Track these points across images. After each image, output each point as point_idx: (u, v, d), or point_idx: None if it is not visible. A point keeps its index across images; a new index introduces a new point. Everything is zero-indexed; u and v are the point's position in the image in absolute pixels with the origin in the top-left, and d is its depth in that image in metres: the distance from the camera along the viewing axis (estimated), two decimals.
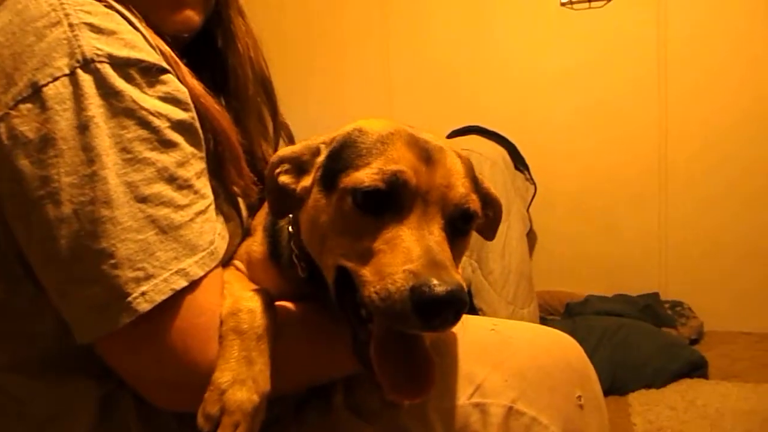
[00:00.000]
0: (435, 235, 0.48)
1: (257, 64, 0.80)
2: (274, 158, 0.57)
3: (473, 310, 2.04)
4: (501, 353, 0.78)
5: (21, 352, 0.57)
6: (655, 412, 1.79)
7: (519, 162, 2.47)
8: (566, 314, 2.43)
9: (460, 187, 0.52)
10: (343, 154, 0.52)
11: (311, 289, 0.60)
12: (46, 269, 0.52)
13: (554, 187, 2.67)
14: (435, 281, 0.43)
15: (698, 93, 2.50)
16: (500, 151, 2.32)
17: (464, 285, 0.45)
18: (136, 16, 0.59)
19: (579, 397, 0.77)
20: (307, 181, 0.55)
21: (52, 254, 0.51)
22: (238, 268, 0.66)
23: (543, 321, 2.34)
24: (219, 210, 0.64)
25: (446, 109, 2.78)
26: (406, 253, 0.46)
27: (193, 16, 0.68)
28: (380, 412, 0.61)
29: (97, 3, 0.55)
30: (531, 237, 2.63)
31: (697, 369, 2.02)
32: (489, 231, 0.65)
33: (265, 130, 0.80)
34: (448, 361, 0.76)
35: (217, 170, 0.64)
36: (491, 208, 0.62)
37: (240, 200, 0.70)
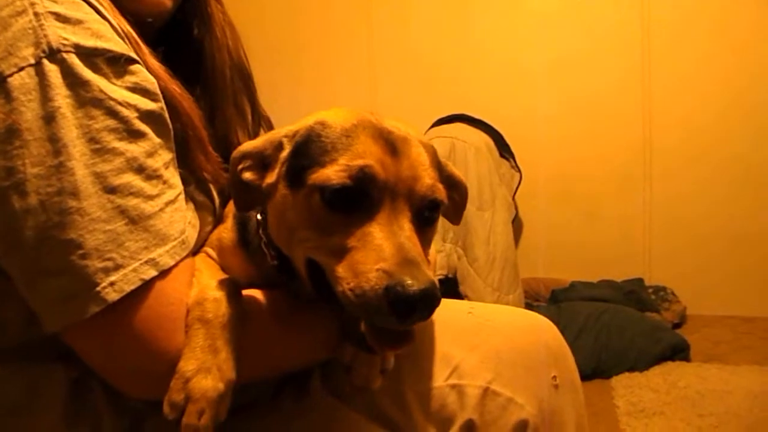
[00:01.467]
0: (405, 230, 0.49)
1: (235, 51, 0.79)
2: (235, 154, 0.56)
3: (459, 297, 2.06)
4: (477, 335, 0.79)
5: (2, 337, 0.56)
6: (638, 394, 1.82)
7: (504, 149, 2.48)
8: (551, 300, 2.45)
9: (427, 178, 0.52)
10: (308, 150, 0.52)
11: (281, 276, 0.60)
12: (12, 259, 0.52)
13: (539, 175, 2.68)
14: (408, 281, 0.44)
15: (682, 82, 2.52)
16: (485, 139, 2.33)
17: (436, 281, 0.46)
18: (103, 3, 0.58)
19: (554, 378, 0.79)
20: (271, 177, 0.54)
21: (19, 245, 0.50)
22: (209, 255, 0.66)
23: (528, 307, 2.36)
24: (190, 198, 0.63)
25: (431, 98, 2.78)
26: (379, 251, 0.47)
27: (164, 0, 0.67)
28: (357, 395, 0.62)
29: None
30: (517, 224, 2.65)
31: (680, 352, 2.06)
32: (455, 214, 0.66)
33: (242, 118, 0.80)
34: (424, 343, 0.77)
35: (185, 157, 0.63)
36: (457, 192, 0.62)
37: (212, 187, 0.69)
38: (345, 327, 0.56)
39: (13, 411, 0.56)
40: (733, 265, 2.49)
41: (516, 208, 2.56)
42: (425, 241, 0.54)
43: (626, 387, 1.87)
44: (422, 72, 2.84)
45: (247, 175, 0.55)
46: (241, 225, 0.64)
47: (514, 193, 2.53)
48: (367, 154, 0.50)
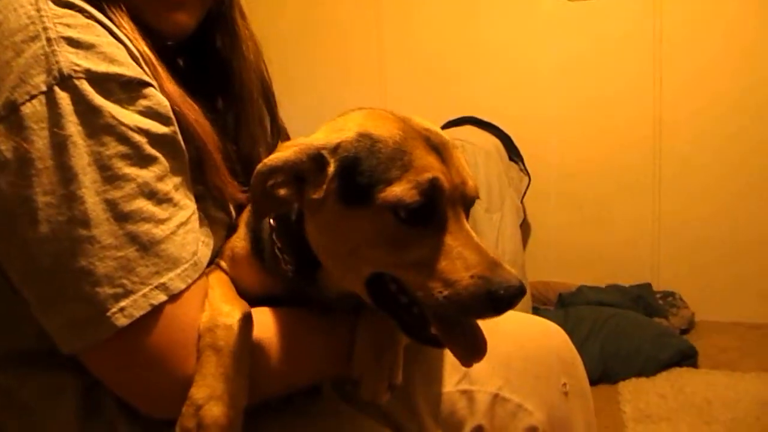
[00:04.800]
0: (471, 234, 0.52)
1: (258, 68, 0.79)
2: (262, 168, 0.53)
3: None
4: (488, 341, 0.79)
5: (6, 346, 0.57)
6: (645, 400, 1.82)
7: (513, 153, 2.48)
8: (559, 304, 2.45)
9: (470, 180, 0.54)
10: (363, 166, 0.51)
11: (297, 282, 0.61)
12: (25, 285, 0.53)
13: (548, 178, 2.68)
14: (505, 283, 0.48)
15: (693, 85, 2.51)
16: (494, 142, 2.33)
17: (518, 276, 0.50)
18: (119, 21, 0.58)
19: (564, 384, 0.79)
20: (317, 193, 0.53)
21: (31, 272, 0.51)
22: (222, 268, 0.66)
23: (536, 311, 2.36)
24: (206, 214, 0.64)
25: (441, 100, 2.78)
26: (464, 260, 0.50)
27: (186, 20, 0.67)
28: (367, 402, 0.63)
29: (78, 14, 0.53)
30: (525, 228, 2.65)
31: (687, 358, 2.05)
32: None
33: (264, 134, 0.80)
34: (435, 350, 0.77)
35: (203, 176, 0.64)
36: None
37: (229, 203, 0.69)
38: (408, 329, 0.56)
39: (26, 416, 0.58)
40: (741, 272, 2.48)
41: (524, 211, 2.56)
42: None
43: (633, 392, 1.87)
44: (432, 74, 2.84)
45: (282, 192, 0.54)
46: (254, 233, 0.64)
47: (523, 197, 2.52)
48: (430, 170, 0.51)
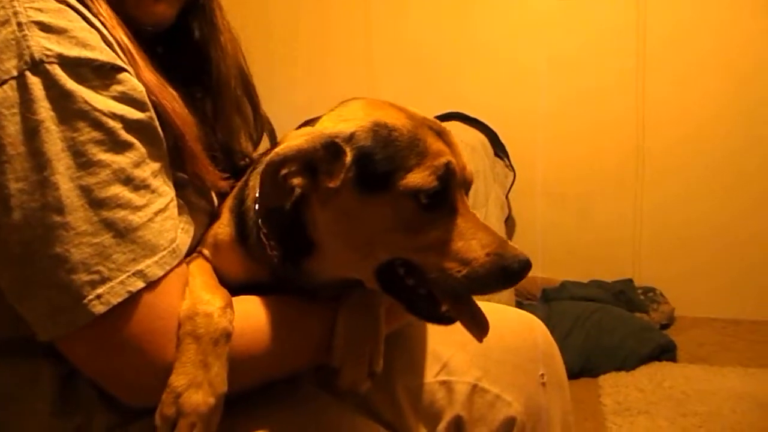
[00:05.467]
0: (476, 214, 0.55)
1: (236, 58, 0.79)
2: (274, 157, 0.53)
3: None
4: (467, 333, 0.80)
5: None
6: (624, 393, 1.84)
7: (499, 149, 2.50)
8: (542, 299, 2.47)
9: (469, 165, 0.57)
10: (382, 155, 0.52)
11: (282, 269, 0.61)
12: (1, 272, 0.52)
13: (533, 174, 2.70)
14: (515, 258, 0.52)
15: (676, 84, 2.54)
16: (480, 138, 2.34)
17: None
18: (97, 9, 0.57)
19: (542, 376, 0.81)
20: (333, 182, 0.53)
21: (5, 259, 0.51)
22: (204, 256, 0.66)
23: (519, 306, 2.38)
24: (187, 201, 0.63)
25: (427, 96, 2.78)
26: (479, 239, 0.53)
27: (166, 10, 0.66)
28: (346, 391, 0.63)
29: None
30: (510, 223, 2.67)
31: (666, 352, 2.09)
32: None
33: (245, 125, 0.79)
34: (415, 341, 0.78)
35: (182, 164, 0.63)
36: None
37: (211, 190, 0.69)
38: (417, 311, 0.59)
39: (5, 403, 0.57)
40: (721, 269, 2.52)
41: (509, 207, 2.58)
42: None
43: (613, 386, 1.90)
44: (419, 70, 2.85)
45: (296, 181, 0.54)
46: (239, 219, 0.64)
47: (508, 192, 2.54)
48: (443, 156, 0.53)
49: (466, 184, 0.57)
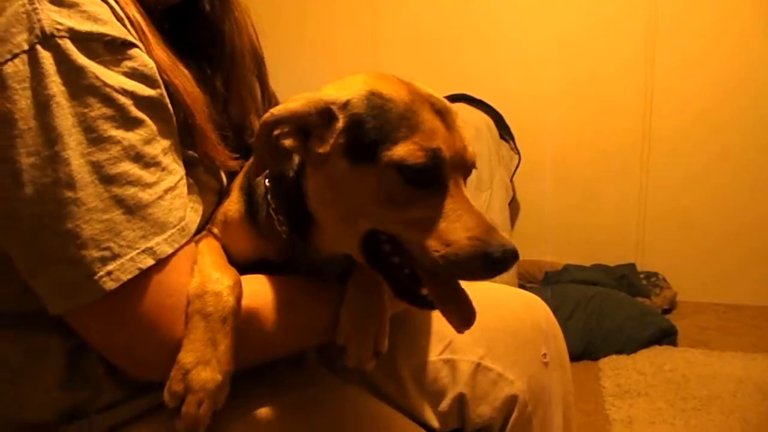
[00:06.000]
0: (469, 199, 0.53)
1: (249, 33, 0.77)
2: (268, 117, 0.53)
3: None
4: None
5: None
6: (624, 376, 1.86)
7: (504, 131, 2.49)
8: (545, 282, 2.48)
9: (470, 147, 0.56)
10: (372, 124, 0.52)
11: (290, 244, 0.61)
12: (12, 247, 0.52)
13: (539, 157, 2.69)
14: (500, 246, 0.50)
15: (684, 69, 2.51)
16: (486, 120, 2.33)
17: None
18: None
19: (544, 355, 0.81)
20: (323, 147, 0.53)
21: (19, 233, 0.51)
22: (213, 234, 0.66)
23: (521, 288, 2.39)
24: (197, 179, 0.63)
25: (433, 77, 2.74)
26: (463, 223, 0.51)
27: None
28: (352, 370, 0.64)
29: None
30: (514, 206, 2.67)
31: (667, 337, 2.10)
32: None
33: (254, 102, 0.78)
34: (419, 320, 0.79)
35: (192, 142, 0.63)
36: None
37: (220, 169, 0.69)
38: (399, 290, 0.57)
39: (13, 375, 0.58)
40: (723, 254, 2.52)
41: (513, 190, 2.57)
42: None
43: (613, 369, 1.91)
44: (425, 51, 2.82)
45: (288, 143, 0.54)
46: (248, 196, 0.64)
47: (512, 175, 2.54)
48: (435, 134, 0.52)
49: (466, 167, 0.55)
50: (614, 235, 2.69)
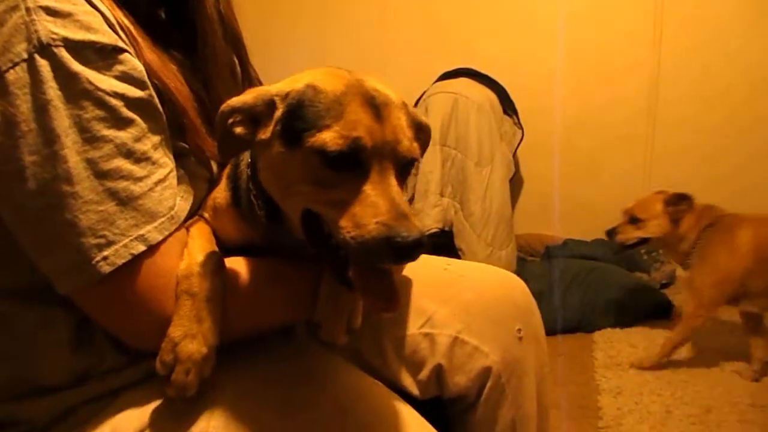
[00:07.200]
0: (393, 186, 0.56)
1: (228, 21, 0.80)
2: (224, 108, 0.58)
3: (453, 250, 2.14)
4: (450, 289, 0.86)
5: (6, 279, 0.64)
6: (617, 348, 1.92)
7: (508, 106, 2.50)
8: (545, 256, 2.53)
9: (405, 141, 0.58)
10: (302, 113, 0.56)
11: (270, 226, 0.66)
12: (19, 233, 0.58)
13: (543, 131, 2.70)
14: (405, 232, 0.52)
15: (692, 41, 2.49)
16: (489, 96, 2.35)
17: (423, 230, 0.54)
18: None
19: (519, 330, 0.86)
20: (265, 133, 0.58)
21: (23, 222, 0.56)
22: (205, 219, 0.71)
23: (522, 262, 2.44)
24: (188, 169, 0.68)
25: (439, 50, 2.77)
26: (375, 207, 0.54)
27: None
28: (326, 343, 0.69)
29: None
30: (517, 180, 2.70)
31: (663, 311, 2.14)
32: (421, 151, 0.71)
33: (236, 84, 0.83)
34: (402, 296, 0.84)
35: (184, 136, 0.68)
36: (422, 133, 0.67)
37: (210, 159, 0.73)
38: (332, 268, 0.61)
39: (28, 342, 0.64)
40: None
41: (517, 165, 2.60)
42: (405, 189, 0.60)
43: (607, 341, 1.97)
44: (431, 25, 2.82)
45: (239, 130, 0.59)
46: (234, 184, 0.69)
47: (515, 151, 2.56)
48: (358, 123, 0.55)
49: (397, 158, 0.58)
50: (617, 209, 2.71)
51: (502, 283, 0.90)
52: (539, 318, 0.92)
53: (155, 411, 0.61)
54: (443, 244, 2.11)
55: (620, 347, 1.92)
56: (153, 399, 0.62)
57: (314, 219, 0.58)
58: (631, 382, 1.70)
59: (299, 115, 0.56)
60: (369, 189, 0.55)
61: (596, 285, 2.16)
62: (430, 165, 2.14)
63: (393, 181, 0.56)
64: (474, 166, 2.13)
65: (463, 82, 2.35)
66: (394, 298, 0.57)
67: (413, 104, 2.36)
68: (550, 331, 2.09)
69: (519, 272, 2.24)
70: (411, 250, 0.51)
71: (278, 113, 0.58)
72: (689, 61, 2.51)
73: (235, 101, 0.58)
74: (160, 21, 0.71)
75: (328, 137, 0.54)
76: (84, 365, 0.64)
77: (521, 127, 2.57)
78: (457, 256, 2.10)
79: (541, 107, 2.70)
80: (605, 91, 2.66)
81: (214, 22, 0.77)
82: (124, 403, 0.63)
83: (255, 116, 0.59)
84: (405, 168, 0.59)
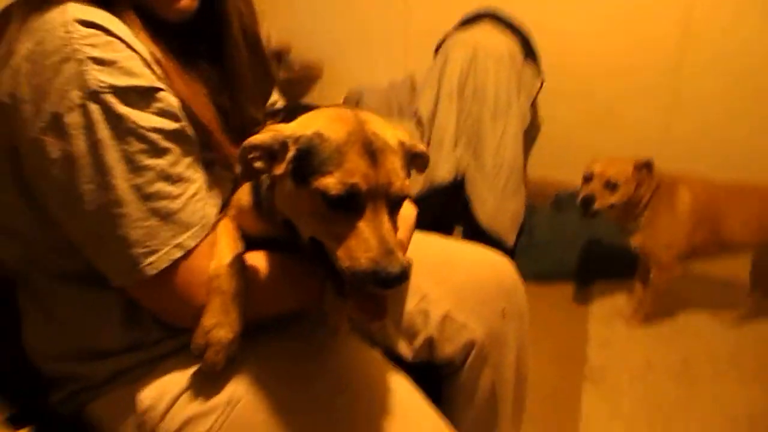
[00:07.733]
0: (385, 223, 0.66)
1: (251, 33, 0.87)
2: (245, 145, 0.67)
3: (463, 199, 2.23)
4: (444, 271, 0.99)
5: (71, 266, 0.76)
6: (612, 300, 2.03)
7: (529, 54, 2.47)
8: (554, 204, 2.59)
9: (398, 182, 0.67)
10: (309, 158, 0.65)
11: (286, 229, 0.78)
12: (82, 244, 0.71)
13: (564, 75, 2.67)
14: (388, 268, 0.62)
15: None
16: (509, 46, 2.32)
17: (408, 263, 0.64)
18: (130, 23, 0.69)
19: (503, 309, 0.99)
20: (280, 169, 0.68)
21: (86, 235, 0.70)
22: (230, 216, 0.82)
23: (531, 209, 2.51)
24: (215, 174, 0.79)
25: None
26: (366, 243, 0.63)
27: (189, 4, 0.77)
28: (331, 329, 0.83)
29: (100, 33, 0.65)
30: (535, 124, 2.70)
31: None
32: (421, 172, 0.80)
33: (258, 96, 0.91)
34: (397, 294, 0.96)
35: (210, 148, 0.78)
36: (420, 159, 0.76)
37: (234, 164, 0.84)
38: (333, 283, 0.71)
39: (87, 316, 0.78)
40: (749, 177, 2.54)
41: (533, 114, 2.60)
42: (397, 218, 0.71)
43: (604, 293, 2.08)
44: None
45: (258, 164, 0.69)
46: (256, 189, 0.80)
47: (534, 99, 2.56)
48: (355, 171, 0.64)
49: (390, 198, 0.66)
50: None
51: (491, 266, 1.02)
52: (524, 296, 1.04)
53: (194, 375, 0.76)
54: (452, 193, 2.19)
55: (615, 300, 2.04)
56: (191, 366, 0.77)
57: (319, 243, 0.69)
58: (619, 334, 1.84)
59: (307, 160, 0.66)
60: (363, 225, 0.65)
61: (600, 238, 2.24)
62: (445, 117, 2.19)
63: (385, 218, 0.66)
64: (489, 119, 2.17)
65: (485, 30, 2.32)
66: (380, 313, 0.68)
67: (434, 50, 2.37)
68: (550, 280, 2.20)
69: (527, 221, 2.33)
70: (393, 282, 0.62)
71: (290, 154, 0.68)
72: (721, 15, 2.44)
73: (255, 140, 0.68)
74: (188, 35, 0.79)
75: (330, 183, 0.64)
76: (133, 337, 0.78)
77: (541, 74, 2.55)
78: (467, 206, 2.19)
79: (565, 51, 2.66)
80: (631, 37, 2.60)
81: (240, 42, 0.85)
82: (168, 368, 0.78)
83: (271, 153, 0.69)
84: (397, 204, 0.69)
